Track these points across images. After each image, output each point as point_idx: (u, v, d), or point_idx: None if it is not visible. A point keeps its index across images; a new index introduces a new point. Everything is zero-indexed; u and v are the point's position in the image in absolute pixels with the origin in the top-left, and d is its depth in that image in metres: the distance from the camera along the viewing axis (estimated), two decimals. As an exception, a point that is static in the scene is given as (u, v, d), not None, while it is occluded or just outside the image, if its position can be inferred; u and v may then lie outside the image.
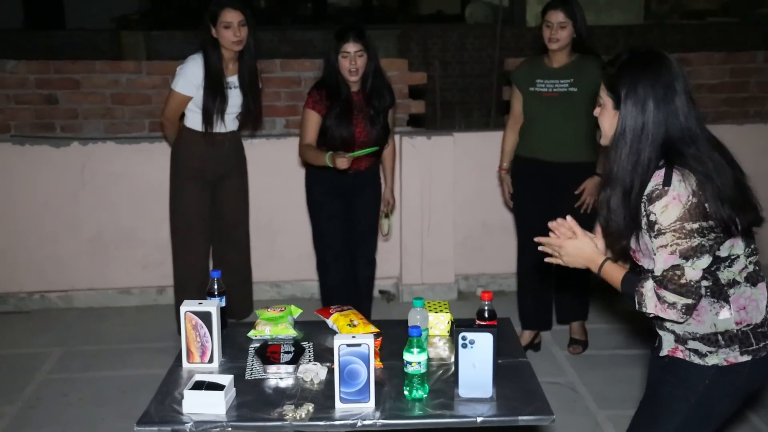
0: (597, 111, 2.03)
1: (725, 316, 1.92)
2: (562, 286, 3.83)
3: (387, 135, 3.67)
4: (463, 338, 2.00)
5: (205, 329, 2.20)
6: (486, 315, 2.22)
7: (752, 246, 1.96)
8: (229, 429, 1.94)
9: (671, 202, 1.83)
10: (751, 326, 1.94)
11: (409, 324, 2.22)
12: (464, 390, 2.03)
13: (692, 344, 1.97)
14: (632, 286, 1.94)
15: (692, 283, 1.86)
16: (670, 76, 1.89)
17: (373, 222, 3.81)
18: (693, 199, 1.82)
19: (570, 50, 3.52)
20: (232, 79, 3.59)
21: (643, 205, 1.88)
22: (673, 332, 2.00)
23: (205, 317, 2.19)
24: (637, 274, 1.97)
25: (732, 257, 1.91)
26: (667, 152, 1.88)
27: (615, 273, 2.00)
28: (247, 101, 3.64)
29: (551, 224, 2.10)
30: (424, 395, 2.03)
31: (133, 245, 4.48)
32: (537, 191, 3.67)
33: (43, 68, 4.51)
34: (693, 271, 1.85)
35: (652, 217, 1.85)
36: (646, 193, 1.87)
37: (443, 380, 2.14)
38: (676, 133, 1.88)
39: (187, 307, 2.21)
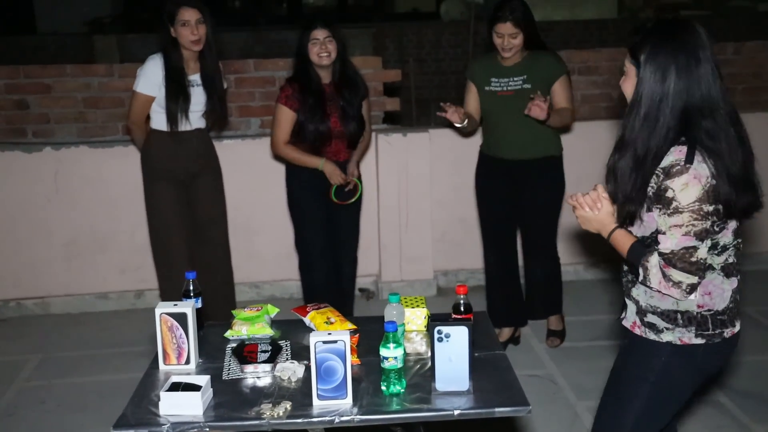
0: (621, 80, 2.01)
1: (690, 297, 1.93)
2: (532, 282, 3.84)
3: (363, 127, 3.69)
4: (439, 332, 2.00)
5: (181, 331, 2.19)
6: (462, 309, 2.23)
7: (739, 240, 1.97)
8: (207, 429, 1.93)
9: (691, 180, 1.82)
10: (712, 312, 1.96)
11: (385, 319, 2.22)
12: (441, 384, 2.03)
13: (651, 318, 2.00)
14: (638, 258, 1.93)
15: (701, 262, 1.87)
16: (695, 44, 1.87)
17: (355, 220, 3.82)
18: (712, 181, 1.83)
19: (522, 49, 3.50)
20: (194, 77, 3.58)
21: (656, 177, 1.87)
22: (636, 302, 2.04)
23: (181, 319, 2.18)
24: (643, 244, 1.96)
25: (723, 246, 1.93)
26: (685, 122, 1.86)
27: (624, 240, 1.98)
28: (212, 100, 3.63)
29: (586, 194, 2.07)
30: (402, 390, 2.04)
31: (110, 250, 4.44)
32: (500, 188, 3.69)
33: (12, 73, 4.46)
34: (703, 249, 1.87)
35: (669, 193, 1.84)
36: (662, 165, 1.86)
37: (420, 375, 2.15)
38: (695, 103, 1.86)
39: (163, 309, 2.20)
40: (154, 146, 3.62)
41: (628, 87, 1.98)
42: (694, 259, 1.87)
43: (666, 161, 1.87)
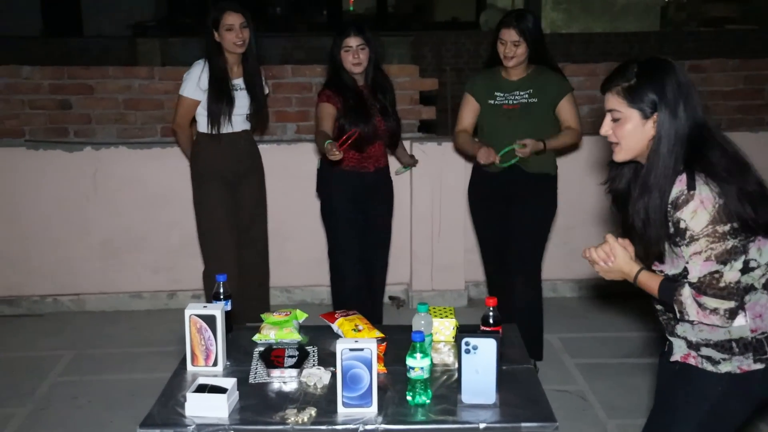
0: (606, 129, 1.96)
1: (740, 323, 1.89)
2: (515, 311, 3.46)
3: (400, 127, 3.74)
4: (467, 344, 1.99)
5: (210, 332, 2.21)
6: (491, 321, 2.21)
7: None
8: (231, 432, 1.94)
9: (699, 206, 1.80)
10: (766, 334, 1.92)
11: (413, 329, 2.21)
12: (467, 396, 2.02)
13: (705, 351, 1.94)
14: (670, 295, 1.90)
15: (732, 286, 1.83)
16: (683, 74, 1.89)
17: (387, 228, 3.82)
18: (720, 200, 1.80)
19: (527, 63, 3.42)
20: (238, 82, 3.64)
21: (669, 212, 1.86)
22: (685, 338, 1.98)
23: (210, 321, 2.20)
24: (671, 280, 1.93)
25: (755, 261, 1.88)
26: (690, 152, 1.85)
27: (651, 281, 1.95)
28: (256, 103, 3.67)
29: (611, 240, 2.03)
30: (427, 401, 2.03)
31: (144, 249, 4.51)
32: (493, 205, 3.58)
33: (57, 74, 4.56)
34: (731, 273, 1.83)
35: (682, 224, 1.83)
36: (670, 200, 1.85)
37: (447, 386, 2.13)
38: (696, 131, 1.86)
39: (192, 310, 2.21)
40: (202, 149, 3.65)
41: (629, 133, 1.92)
42: (722, 285, 1.83)
43: (672, 194, 1.85)
